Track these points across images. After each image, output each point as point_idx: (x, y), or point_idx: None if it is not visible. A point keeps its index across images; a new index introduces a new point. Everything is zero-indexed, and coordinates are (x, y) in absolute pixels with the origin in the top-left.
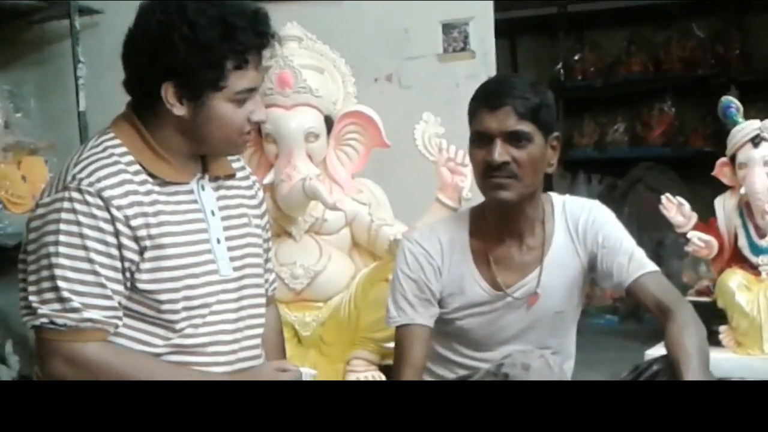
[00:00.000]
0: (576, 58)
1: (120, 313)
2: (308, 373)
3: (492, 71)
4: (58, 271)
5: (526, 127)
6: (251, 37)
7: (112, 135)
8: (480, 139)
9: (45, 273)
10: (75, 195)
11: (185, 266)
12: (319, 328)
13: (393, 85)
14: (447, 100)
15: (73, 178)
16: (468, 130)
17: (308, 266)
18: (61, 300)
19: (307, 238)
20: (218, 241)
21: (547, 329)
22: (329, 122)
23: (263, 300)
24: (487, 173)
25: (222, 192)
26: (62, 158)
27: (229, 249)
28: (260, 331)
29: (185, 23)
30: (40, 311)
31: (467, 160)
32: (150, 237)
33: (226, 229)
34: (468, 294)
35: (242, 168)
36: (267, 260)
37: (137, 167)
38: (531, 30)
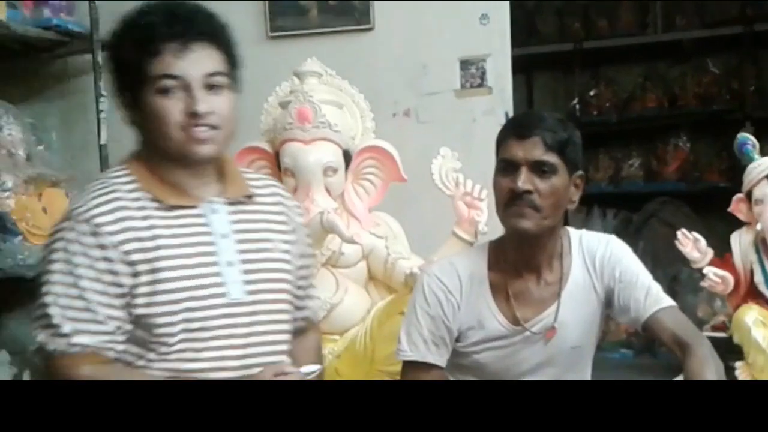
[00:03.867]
0: (591, 93)
1: (117, 338)
2: (310, 371)
3: (509, 107)
4: (49, 299)
5: (552, 158)
6: (155, 23)
7: (119, 167)
8: (506, 167)
9: (41, 300)
10: (66, 224)
11: (184, 289)
12: (334, 361)
13: (411, 120)
14: (464, 136)
15: (70, 210)
16: (485, 164)
17: (325, 299)
18: (52, 326)
19: (324, 271)
20: (229, 263)
21: (563, 364)
22: (347, 156)
23: (284, 326)
24: (510, 202)
25: (240, 215)
26: (83, 190)
27: (244, 272)
28: (277, 358)
29: (116, 36)
30: (37, 338)
31: (484, 194)
32: (146, 261)
33: (241, 252)
34: (486, 328)
35: (269, 187)
36: (306, 287)
37: (137, 194)
38: (547, 66)
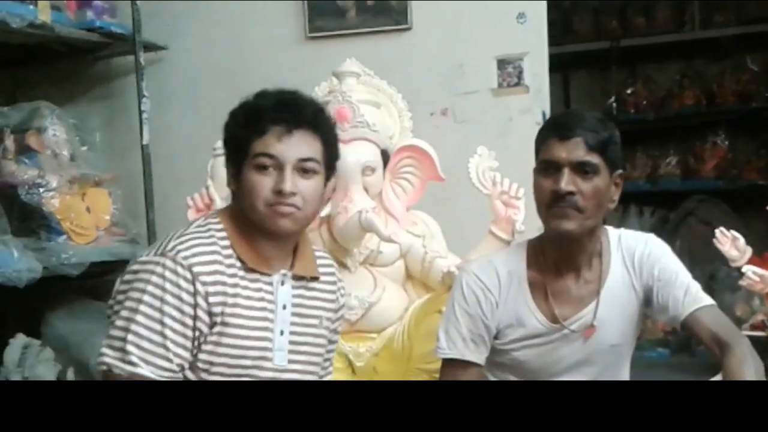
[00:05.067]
0: (629, 91)
1: (177, 375)
2: None
3: (546, 106)
4: (132, 325)
5: (594, 159)
6: (266, 107)
7: (218, 220)
8: (547, 168)
9: (121, 323)
10: (169, 263)
11: (242, 347)
12: (372, 359)
13: (448, 120)
14: (501, 134)
15: (173, 248)
16: (522, 163)
17: (363, 297)
18: (124, 350)
19: (362, 269)
20: (281, 333)
21: (602, 362)
22: (385, 156)
23: None
24: (552, 203)
25: (301, 291)
26: (126, 190)
27: (291, 342)
28: None
29: (232, 114)
30: (104, 357)
31: (521, 193)
32: (222, 314)
33: (293, 324)
34: (525, 326)
35: (331, 274)
36: (328, 359)
37: (230, 251)
38: (584, 64)
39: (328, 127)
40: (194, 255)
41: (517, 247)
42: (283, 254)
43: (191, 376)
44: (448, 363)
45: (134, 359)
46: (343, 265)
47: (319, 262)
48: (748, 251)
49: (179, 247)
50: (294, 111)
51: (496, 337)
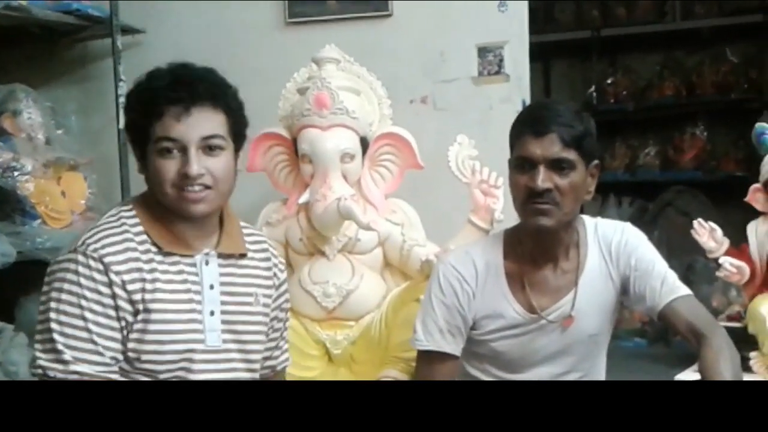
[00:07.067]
0: (609, 81)
1: (114, 368)
2: None
3: (526, 95)
4: (55, 325)
5: (569, 155)
6: (160, 87)
7: (129, 207)
8: (523, 165)
9: (47, 325)
10: (80, 258)
11: (170, 332)
12: (349, 347)
13: (428, 107)
14: (481, 123)
15: (83, 242)
16: (501, 152)
17: (340, 285)
18: (55, 351)
19: (340, 257)
20: (212, 313)
21: (580, 352)
22: (365, 143)
23: (258, 375)
24: (529, 199)
25: (230, 269)
26: (101, 174)
27: (224, 322)
28: None
29: (128, 97)
30: (38, 361)
31: (500, 182)
32: (143, 301)
33: (225, 303)
34: (502, 317)
35: (263, 250)
36: (277, 338)
37: (144, 237)
38: (564, 54)
39: (229, 98)
40: (104, 246)
41: (494, 237)
42: (205, 233)
43: (126, 367)
44: (425, 354)
45: (66, 357)
46: (321, 253)
47: (249, 239)
48: (726, 242)
49: (88, 241)
50: (190, 87)
51: (473, 328)
